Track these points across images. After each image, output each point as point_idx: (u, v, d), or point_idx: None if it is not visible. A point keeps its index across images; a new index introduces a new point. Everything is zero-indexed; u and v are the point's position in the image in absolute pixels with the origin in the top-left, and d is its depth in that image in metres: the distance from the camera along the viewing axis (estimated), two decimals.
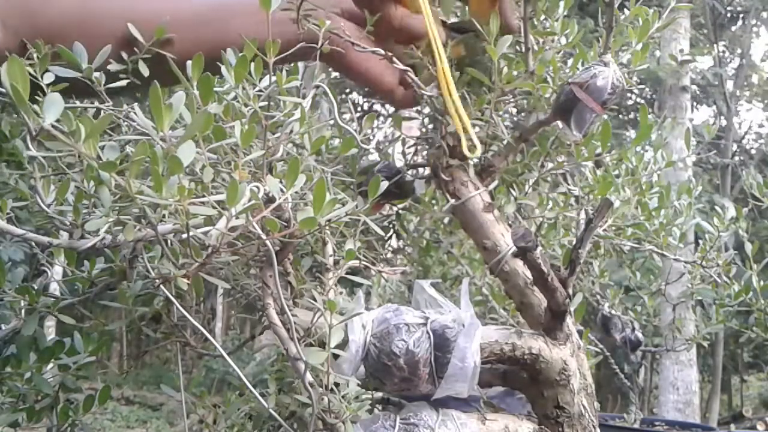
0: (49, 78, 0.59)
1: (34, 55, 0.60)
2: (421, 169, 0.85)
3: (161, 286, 0.53)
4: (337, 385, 0.56)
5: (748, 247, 1.23)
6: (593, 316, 1.44)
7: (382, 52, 0.68)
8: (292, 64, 0.80)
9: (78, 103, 0.66)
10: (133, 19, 0.68)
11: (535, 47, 0.76)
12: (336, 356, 0.59)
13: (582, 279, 1.25)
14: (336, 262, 0.74)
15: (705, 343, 1.49)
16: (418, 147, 0.88)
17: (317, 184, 0.48)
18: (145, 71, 0.68)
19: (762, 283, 1.21)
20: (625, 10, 0.83)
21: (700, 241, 1.19)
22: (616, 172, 0.96)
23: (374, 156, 0.92)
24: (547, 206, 0.95)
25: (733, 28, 9.69)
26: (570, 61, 0.79)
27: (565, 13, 0.78)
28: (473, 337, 0.62)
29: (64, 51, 0.63)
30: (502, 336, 0.67)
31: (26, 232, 0.57)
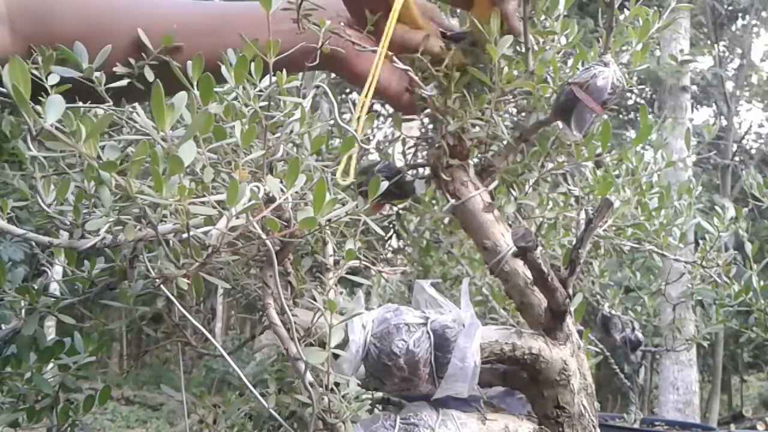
0: (53, 79, 0.59)
1: (39, 59, 0.60)
2: (421, 169, 0.85)
3: (162, 285, 0.53)
4: (337, 385, 0.56)
5: (748, 247, 1.23)
6: (593, 316, 1.44)
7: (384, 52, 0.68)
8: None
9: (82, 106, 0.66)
10: (144, 27, 0.69)
11: (535, 47, 0.76)
12: (336, 356, 0.59)
13: (582, 279, 1.25)
14: (336, 262, 0.74)
15: (705, 343, 1.49)
16: (418, 147, 0.88)
17: (317, 184, 0.48)
18: (150, 77, 0.68)
19: (762, 283, 1.21)
20: (625, 10, 0.83)
21: (700, 241, 1.19)
22: (616, 172, 0.96)
23: (374, 156, 0.92)
24: (547, 206, 0.95)
25: (733, 28, 9.69)
26: (570, 61, 0.79)
27: (565, 13, 0.78)
28: (473, 337, 0.62)
29: (65, 51, 0.63)
30: (502, 336, 0.67)
31: (26, 232, 0.57)
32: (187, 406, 0.77)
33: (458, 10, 0.84)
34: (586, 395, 0.71)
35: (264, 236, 0.51)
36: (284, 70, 0.60)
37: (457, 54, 0.74)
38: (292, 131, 0.64)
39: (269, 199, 0.51)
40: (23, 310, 0.71)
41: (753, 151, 10.64)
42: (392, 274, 1.42)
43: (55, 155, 0.58)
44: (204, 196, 0.49)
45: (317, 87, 0.73)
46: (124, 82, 0.67)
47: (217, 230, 0.47)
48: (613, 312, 1.40)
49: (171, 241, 0.56)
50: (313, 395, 0.53)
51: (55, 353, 0.79)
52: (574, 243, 0.66)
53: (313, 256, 0.76)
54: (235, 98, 0.58)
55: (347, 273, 0.72)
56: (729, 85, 9.31)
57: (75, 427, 0.81)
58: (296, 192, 0.54)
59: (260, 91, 0.59)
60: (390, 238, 1.06)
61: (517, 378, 0.72)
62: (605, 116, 0.76)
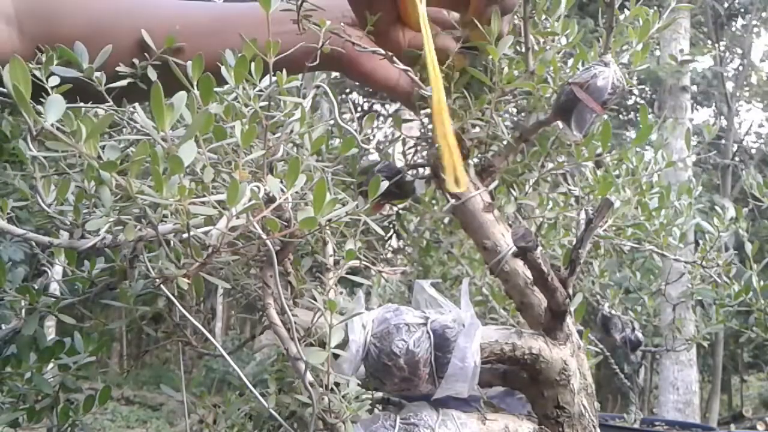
0: (55, 81, 0.59)
1: (43, 58, 0.60)
2: (421, 169, 0.85)
3: (162, 285, 0.53)
4: (337, 385, 0.56)
5: (748, 247, 1.23)
6: (593, 316, 1.44)
7: (382, 51, 0.68)
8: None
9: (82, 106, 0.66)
10: (147, 28, 0.69)
11: (536, 47, 0.76)
12: (336, 356, 0.59)
13: (582, 279, 1.25)
14: (336, 262, 0.74)
15: (705, 343, 1.49)
16: (418, 147, 0.88)
17: (317, 184, 0.49)
18: (153, 77, 0.68)
19: (762, 283, 1.21)
20: (625, 10, 0.83)
21: (700, 241, 1.19)
22: (617, 172, 0.96)
23: (374, 156, 0.92)
24: (547, 206, 0.95)
25: (734, 27, 9.69)
26: (570, 61, 0.79)
27: (565, 13, 0.78)
28: (473, 337, 0.62)
29: (65, 51, 0.63)
30: (502, 336, 0.67)
31: (26, 232, 0.57)
32: (187, 406, 0.77)
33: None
34: (586, 395, 0.71)
35: (264, 236, 0.51)
36: (284, 71, 0.60)
37: (458, 56, 0.74)
38: (292, 131, 0.64)
39: (269, 199, 0.51)
40: (23, 310, 0.71)
41: (753, 151, 10.64)
42: (392, 274, 1.42)
43: (55, 155, 0.58)
44: (204, 196, 0.49)
45: (317, 87, 0.73)
46: (124, 83, 0.67)
47: (217, 230, 0.47)
48: (613, 312, 1.40)
49: (171, 241, 0.56)
50: (313, 395, 0.53)
51: (55, 353, 0.79)
52: (574, 243, 0.66)
53: (313, 256, 0.76)
54: (235, 98, 0.58)
55: (347, 273, 0.72)
56: (729, 85, 9.31)
57: (75, 427, 0.81)
58: (296, 192, 0.54)
59: (260, 91, 0.59)
60: (390, 238, 1.06)
61: (517, 378, 0.72)
62: (605, 116, 0.76)
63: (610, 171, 0.95)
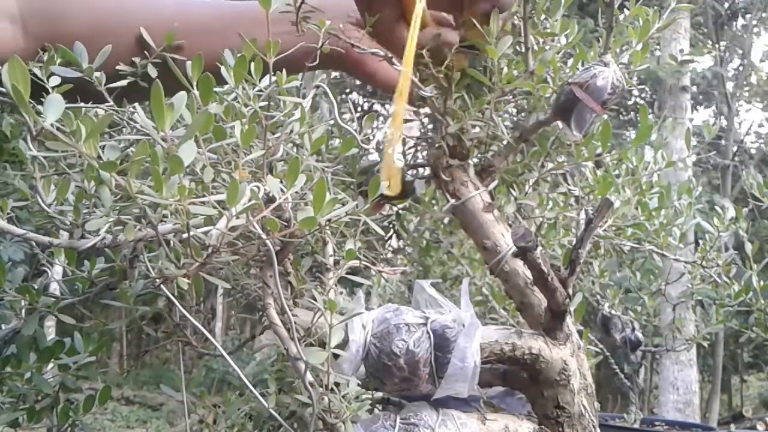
0: (55, 80, 0.59)
1: (45, 57, 0.60)
2: (421, 169, 0.85)
3: (162, 285, 0.53)
4: (337, 385, 0.56)
5: (748, 247, 1.23)
6: (593, 316, 1.44)
7: (381, 53, 0.68)
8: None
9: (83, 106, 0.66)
10: (150, 27, 0.69)
11: (535, 47, 0.76)
12: (336, 356, 0.59)
13: (582, 279, 1.25)
14: (336, 262, 0.74)
15: (705, 343, 1.49)
16: (418, 147, 0.88)
17: (317, 184, 0.49)
18: (154, 76, 0.68)
19: (762, 283, 1.21)
20: (625, 10, 0.83)
21: (700, 241, 1.19)
22: (616, 172, 0.96)
23: (374, 156, 0.92)
24: (547, 206, 0.95)
25: (734, 27, 9.69)
26: (570, 61, 0.79)
27: (565, 13, 0.78)
28: (473, 337, 0.62)
29: (65, 51, 0.63)
30: (502, 336, 0.67)
31: (26, 232, 0.57)
32: (187, 406, 0.77)
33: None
34: (586, 395, 0.71)
35: (264, 236, 0.51)
36: (284, 71, 0.60)
37: (458, 56, 0.74)
38: (292, 131, 0.64)
39: (269, 199, 0.51)
40: (23, 310, 0.71)
41: (753, 151, 10.64)
42: (392, 274, 1.42)
43: (55, 155, 0.58)
44: (204, 196, 0.49)
45: (317, 87, 0.73)
46: (124, 83, 0.67)
47: (217, 230, 0.47)
48: (613, 312, 1.40)
49: (171, 241, 0.56)
50: (313, 395, 0.53)
51: (55, 353, 0.79)
52: (574, 243, 0.66)
53: (313, 256, 0.76)
54: (235, 98, 0.58)
55: (347, 273, 0.72)
56: (729, 85, 9.31)
57: (75, 427, 0.81)
58: (296, 192, 0.54)
59: (260, 91, 0.59)
60: (390, 238, 1.06)
61: (517, 378, 0.72)
62: (605, 116, 0.76)
63: (610, 171, 0.95)
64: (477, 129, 0.77)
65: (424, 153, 0.85)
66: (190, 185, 0.45)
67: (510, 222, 0.84)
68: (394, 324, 0.61)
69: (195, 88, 0.56)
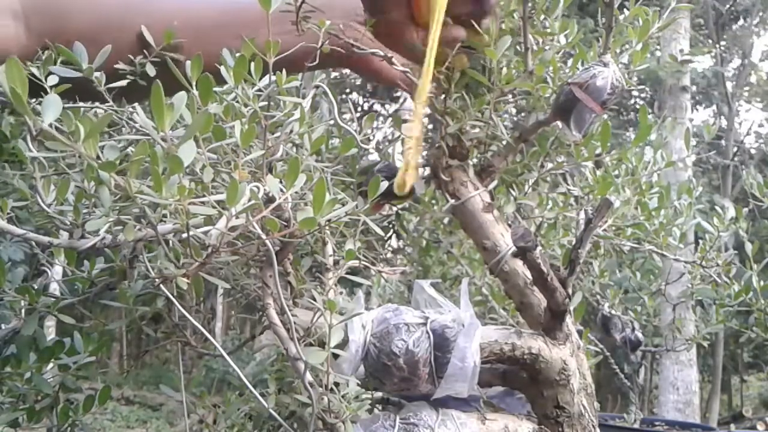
0: (54, 80, 0.59)
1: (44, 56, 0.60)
2: (421, 169, 0.85)
3: (161, 285, 0.54)
4: (337, 384, 0.56)
5: (748, 247, 1.23)
6: (593, 316, 1.44)
7: (381, 53, 0.69)
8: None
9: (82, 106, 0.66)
10: (156, 26, 0.69)
11: (535, 47, 0.76)
12: (336, 356, 0.59)
13: (582, 279, 1.25)
14: (336, 262, 0.74)
15: (705, 343, 1.49)
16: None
17: (317, 184, 0.49)
18: (152, 74, 0.68)
19: (762, 283, 1.21)
20: (625, 10, 0.83)
21: (700, 241, 1.19)
22: (616, 172, 0.96)
23: (374, 156, 0.92)
24: (546, 206, 0.95)
25: (734, 27, 9.69)
26: (570, 61, 0.79)
27: (565, 13, 0.78)
28: (473, 337, 0.62)
29: (65, 51, 0.63)
30: (502, 336, 0.67)
31: (26, 232, 0.57)
32: (187, 406, 0.77)
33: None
34: (586, 395, 0.71)
35: (264, 236, 0.51)
36: (284, 70, 0.60)
37: (459, 56, 0.74)
38: (291, 131, 0.64)
39: (269, 199, 0.51)
40: (23, 310, 0.71)
41: (753, 151, 10.64)
42: (392, 274, 1.42)
43: (55, 155, 0.58)
44: (204, 196, 0.49)
45: (317, 87, 0.73)
46: (124, 83, 0.67)
47: (216, 230, 0.47)
48: (613, 312, 1.40)
49: (171, 241, 0.56)
50: (313, 395, 0.53)
51: (55, 353, 0.79)
52: (573, 243, 0.66)
53: (313, 256, 0.76)
54: (235, 98, 0.58)
55: (347, 273, 0.72)
56: (729, 85, 9.31)
57: (75, 427, 0.81)
58: (296, 192, 0.54)
59: (259, 91, 0.59)
60: (390, 238, 1.06)
61: (516, 378, 0.72)
62: (605, 116, 0.76)
63: (610, 171, 0.95)
64: (476, 129, 0.77)
65: (424, 153, 0.85)
66: (189, 185, 0.45)
67: (510, 222, 0.84)
68: (394, 324, 0.61)
69: (195, 88, 0.56)
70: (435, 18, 0.62)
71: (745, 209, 1.29)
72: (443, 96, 0.73)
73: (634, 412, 1.65)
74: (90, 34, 0.67)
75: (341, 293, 0.77)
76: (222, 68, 0.60)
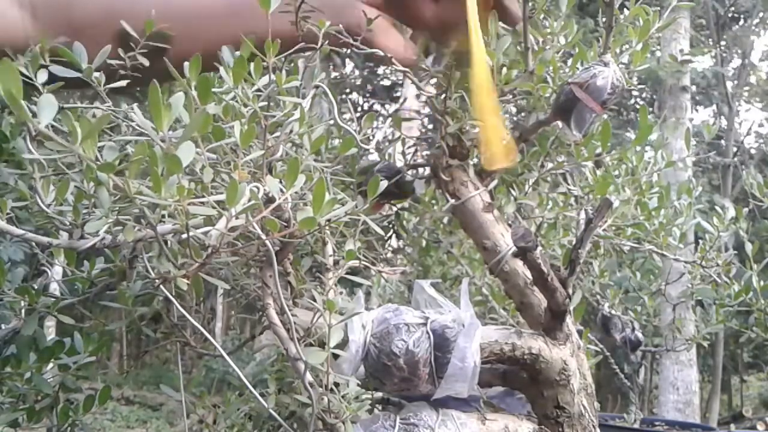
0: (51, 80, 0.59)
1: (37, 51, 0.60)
2: (421, 169, 0.85)
3: (161, 286, 0.53)
4: (337, 385, 0.56)
5: (748, 247, 1.23)
6: (593, 316, 1.44)
7: (381, 53, 0.69)
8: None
9: (77, 96, 0.66)
10: (165, 13, 0.69)
11: (535, 47, 0.76)
12: (336, 356, 0.59)
13: (582, 279, 1.25)
14: (336, 262, 0.74)
15: (705, 343, 1.49)
16: (418, 147, 0.88)
17: (317, 184, 0.48)
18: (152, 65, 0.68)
19: (762, 283, 1.21)
20: (625, 10, 0.83)
21: (700, 241, 1.19)
22: (616, 172, 0.96)
23: (374, 156, 0.92)
24: (547, 206, 0.95)
25: (734, 28, 9.69)
26: (570, 61, 0.79)
27: (567, 13, 0.78)
28: (473, 337, 0.62)
29: (65, 51, 0.62)
30: (502, 336, 0.67)
31: (26, 232, 0.57)
32: (186, 406, 0.77)
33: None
34: (586, 395, 0.71)
35: (264, 236, 0.51)
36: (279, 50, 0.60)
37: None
38: (291, 131, 0.64)
39: (269, 199, 0.51)
40: (23, 310, 0.71)
41: (753, 151, 10.63)
42: (392, 274, 1.42)
43: (53, 156, 0.58)
44: (203, 196, 0.49)
45: (317, 87, 0.73)
46: (123, 83, 0.67)
47: (216, 230, 0.47)
48: (613, 312, 1.40)
49: (170, 242, 0.56)
50: (313, 395, 0.53)
51: (55, 353, 0.79)
52: (574, 243, 0.66)
53: (313, 256, 0.76)
54: (234, 98, 0.58)
55: (347, 273, 0.72)
56: (729, 85, 9.30)
57: (75, 427, 0.81)
58: (296, 192, 0.54)
59: (259, 90, 0.59)
60: (390, 238, 1.06)
61: (517, 378, 0.72)
62: (605, 116, 0.76)
63: (610, 171, 0.95)
64: (477, 129, 0.77)
65: (424, 153, 0.85)
66: (189, 185, 0.45)
67: (510, 222, 0.84)
68: (394, 324, 0.61)
69: (192, 88, 0.56)
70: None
71: (745, 209, 1.29)
72: (443, 96, 0.73)
73: (634, 412, 1.65)
74: (97, 23, 0.67)
75: (341, 293, 0.77)
76: (222, 69, 0.60)
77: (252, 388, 0.57)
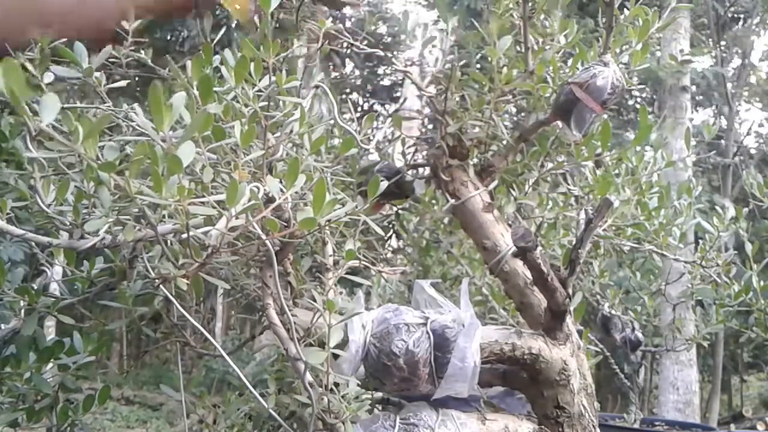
0: (49, 78, 0.59)
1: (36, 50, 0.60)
2: (421, 169, 0.85)
3: (161, 286, 0.53)
4: (337, 385, 0.56)
5: (748, 247, 1.23)
6: (593, 316, 1.44)
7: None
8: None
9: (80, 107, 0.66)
10: None
11: (535, 47, 0.76)
12: (336, 356, 0.59)
13: (582, 279, 1.25)
14: (336, 262, 0.74)
15: (705, 343, 1.49)
16: (418, 147, 0.88)
17: (317, 184, 0.48)
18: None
19: (762, 283, 1.21)
20: (625, 10, 0.83)
21: (700, 241, 1.19)
22: (616, 172, 0.96)
23: (374, 156, 0.92)
24: (547, 206, 0.95)
25: (735, 28, 9.69)
26: (570, 61, 0.79)
27: (565, 13, 0.78)
28: (473, 337, 0.62)
29: (65, 51, 0.62)
30: (502, 336, 0.67)
31: (26, 232, 0.57)
32: (186, 406, 0.77)
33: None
34: (586, 395, 0.71)
35: (264, 236, 0.51)
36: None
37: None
38: (291, 131, 0.64)
39: (269, 199, 0.51)
40: (23, 310, 0.71)
41: (753, 151, 10.63)
42: (392, 274, 1.42)
43: (54, 156, 0.58)
44: (204, 196, 0.49)
45: (317, 87, 0.73)
46: (124, 83, 0.67)
47: (216, 230, 0.47)
48: (613, 312, 1.40)
49: (170, 242, 0.56)
50: (313, 395, 0.53)
51: (55, 353, 0.79)
52: (574, 243, 0.66)
53: (313, 256, 0.76)
54: (234, 98, 0.58)
55: (347, 273, 0.72)
56: (729, 85, 9.30)
57: (75, 427, 0.80)
58: (296, 192, 0.54)
59: (259, 91, 0.59)
60: (390, 238, 1.06)
61: (517, 378, 0.72)
62: (605, 116, 0.76)
63: (610, 171, 0.95)
64: (477, 129, 0.77)
65: (424, 153, 0.85)
66: (189, 185, 0.45)
67: (510, 222, 0.84)
68: (394, 324, 0.61)
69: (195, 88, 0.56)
70: None
71: (745, 209, 1.29)
72: (443, 96, 0.73)
73: (634, 412, 1.65)
74: (67, 9, 0.66)
75: (341, 293, 0.77)
76: (223, 69, 0.60)
77: (252, 388, 0.57)
